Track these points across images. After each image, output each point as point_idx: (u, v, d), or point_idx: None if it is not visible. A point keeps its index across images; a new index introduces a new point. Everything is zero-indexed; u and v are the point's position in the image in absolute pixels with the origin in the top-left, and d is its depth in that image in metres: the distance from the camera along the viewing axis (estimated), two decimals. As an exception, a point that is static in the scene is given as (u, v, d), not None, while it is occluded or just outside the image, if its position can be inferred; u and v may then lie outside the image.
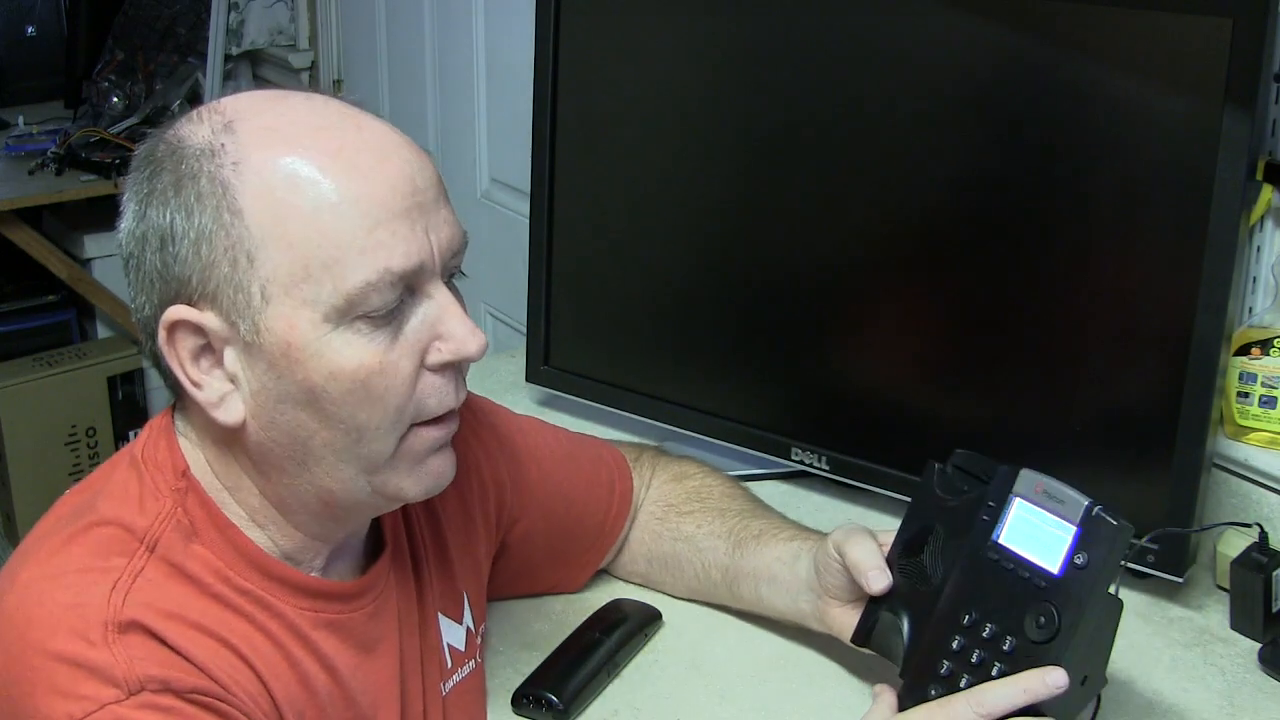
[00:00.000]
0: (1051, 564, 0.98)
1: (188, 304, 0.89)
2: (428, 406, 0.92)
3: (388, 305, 0.89)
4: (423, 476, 0.95)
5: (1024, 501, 1.01)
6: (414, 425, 0.93)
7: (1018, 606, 0.99)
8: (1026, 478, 1.02)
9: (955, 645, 1.02)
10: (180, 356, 0.91)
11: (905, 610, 1.07)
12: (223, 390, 0.91)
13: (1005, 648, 0.99)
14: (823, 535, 1.22)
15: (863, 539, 1.12)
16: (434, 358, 0.91)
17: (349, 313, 0.88)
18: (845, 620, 1.16)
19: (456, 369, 0.94)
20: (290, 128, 0.89)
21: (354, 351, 0.88)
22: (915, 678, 1.04)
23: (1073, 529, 0.98)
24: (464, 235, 0.94)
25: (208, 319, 0.89)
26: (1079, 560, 0.97)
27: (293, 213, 0.87)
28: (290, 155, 0.88)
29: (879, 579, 1.08)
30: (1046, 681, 0.96)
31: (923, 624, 1.05)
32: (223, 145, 0.88)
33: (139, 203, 0.90)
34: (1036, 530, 1.00)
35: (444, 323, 0.91)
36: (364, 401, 0.89)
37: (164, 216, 0.89)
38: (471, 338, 0.92)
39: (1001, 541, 1.01)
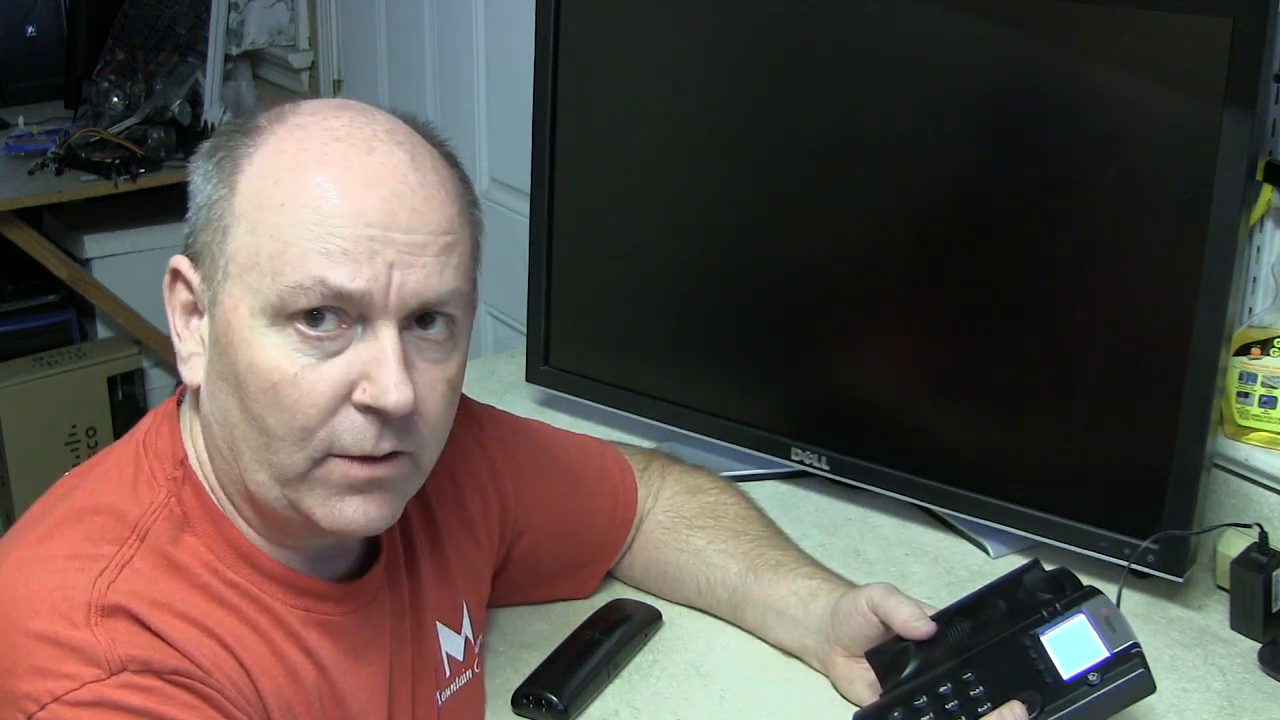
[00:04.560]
0: (1067, 671, 1.03)
1: (190, 258, 0.95)
2: (343, 441, 0.90)
3: (320, 320, 0.88)
4: (335, 514, 0.92)
5: (1085, 619, 1.05)
6: (332, 455, 0.91)
7: (1014, 686, 1.03)
8: (1099, 601, 1.07)
9: (941, 689, 1.06)
10: (174, 305, 0.96)
11: (924, 653, 1.10)
12: (193, 349, 0.95)
13: (979, 710, 1.03)
14: (842, 579, 1.24)
15: (903, 599, 1.13)
16: (357, 396, 0.89)
17: (281, 311, 0.88)
18: (845, 672, 1.18)
19: (385, 418, 0.90)
20: (316, 132, 0.92)
21: (276, 353, 0.89)
22: (890, 699, 1.08)
23: (1106, 654, 1.03)
24: (445, 295, 0.92)
25: (194, 277, 0.94)
26: (1093, 679, 1.02)
27: (266, 202, 0.90)
28: (294, 154, 0.91)
29: (923, 626, 1.11)
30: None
31: (930, 668, 1.09)
32: (261, 129, 0.93)
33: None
34: (1077, 643, 1.04)
35: (375, 366, 0.89)
36: (273, 407, 0.89)
37: (198, 174, 0.95)
38: (393, 390, 0.88)
39: (1043, 638, 1.05)
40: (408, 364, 0.90)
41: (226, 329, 0.91)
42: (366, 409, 0.89)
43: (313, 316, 0.89)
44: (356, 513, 0.92)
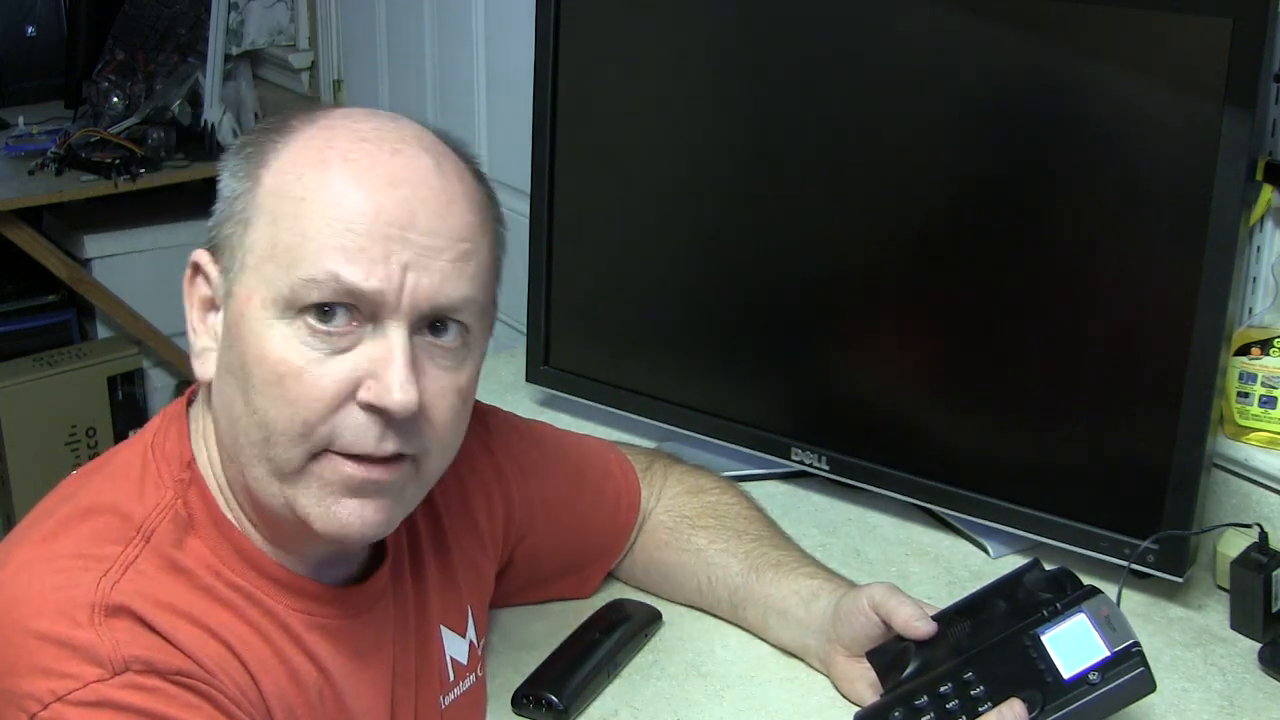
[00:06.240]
0: (1067, 670, 1.03)
1: (210, 252, 0.95)
2: (343, 438, 0.90)
3: (331, 316, 0.88)
4: (329, 514, 0.91)
5: (1085, 618, 1.06)
6: (330, 451, 0.90)
7: (1014, 685, 1.03)
8: (1099, 600, 1.07)
9: (942, 689, 1.06)
10: (192, 299, 0.96)
11: (925, 653, 1.10)
12: (207, 344, 0.95)
13: (980, 709, 1.03)
14: (844, 580, 1.24)
15: (905, 598, 1.14)
16: (362, 394, 0.89)
17: (293, 304, 0.88)
18: (846, 671, 1.18)
19: (388, 418, 0.89)
20: (343, 132, 0.93)
21: (284, 345, 0.89)
22: (891, 699, 1.08)
23: (1106, 653, 1.03)
24: (459, 301, 0.91)
25: (213, 271, 0.94)
26: (1093, 678, 1.02)
27: (288, 195, 0.90)
28: (319, 151, 0.91)
29: (925, 626, 1.11)
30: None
31: (930, 668, 1.09)
32: (291, 128, 0.94)
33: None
34: (1077, 642, 1.04)
35: (382, 365, 0.89)
36: (278, 399, 0.89)
37: (226, 170, 0.95)
38: (398, 389, 0.88)
39: (1044, 638, 1.06)
40: (417, 367, 0.90)
41: (239, 320, 0.91)
42: (370, 408, 0.89)
43: (324, 311, 0.88)
44: (352, 515, 0.92)
